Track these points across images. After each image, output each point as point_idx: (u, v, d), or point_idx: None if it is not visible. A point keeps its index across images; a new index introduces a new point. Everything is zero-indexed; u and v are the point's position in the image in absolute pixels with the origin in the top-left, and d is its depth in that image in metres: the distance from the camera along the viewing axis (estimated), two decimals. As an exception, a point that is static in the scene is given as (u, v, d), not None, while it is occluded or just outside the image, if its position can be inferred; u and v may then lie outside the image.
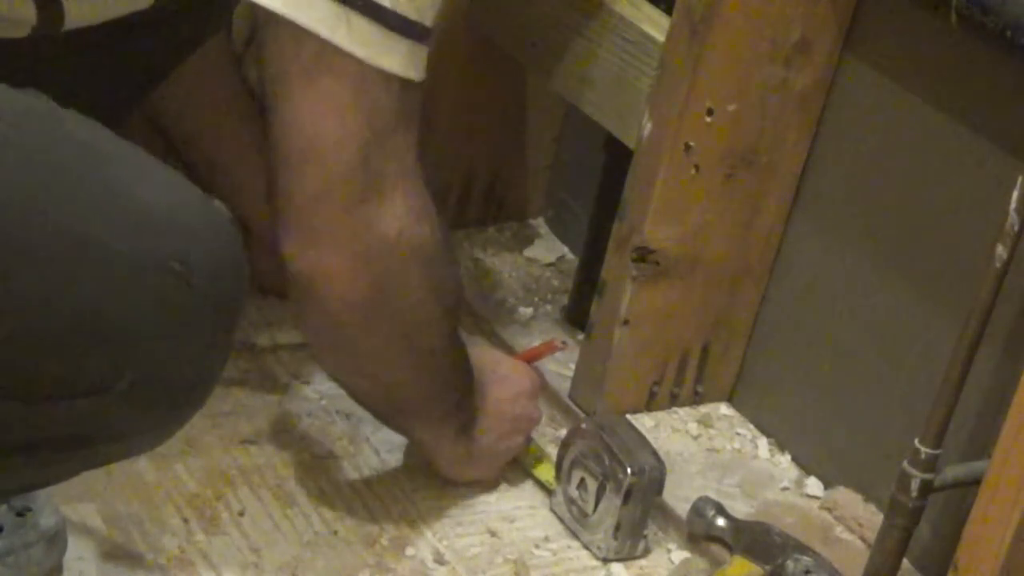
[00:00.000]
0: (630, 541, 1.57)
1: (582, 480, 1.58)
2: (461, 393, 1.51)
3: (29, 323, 1.08)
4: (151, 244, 1.11)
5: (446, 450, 1.56)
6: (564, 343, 1.77)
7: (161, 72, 1.56)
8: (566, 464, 1.60)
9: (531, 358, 1.71)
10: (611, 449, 1.55)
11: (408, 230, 1.34)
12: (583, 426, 1.59)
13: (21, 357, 1.09)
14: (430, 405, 1.50)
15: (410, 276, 1.37)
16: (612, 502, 1.55)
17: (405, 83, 1.30)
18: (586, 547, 1.58)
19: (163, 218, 1.13)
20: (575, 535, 1.59)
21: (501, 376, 1.58)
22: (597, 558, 1.57)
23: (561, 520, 1.60)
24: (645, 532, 1.58)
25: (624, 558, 1.58)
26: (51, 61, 1.30)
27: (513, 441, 1.61)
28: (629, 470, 1.54)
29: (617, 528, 1.56)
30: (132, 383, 1.11)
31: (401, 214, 1.33)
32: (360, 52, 1.26)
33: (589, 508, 1.57)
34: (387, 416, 1.53)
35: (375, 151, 1.29)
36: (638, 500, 1.55)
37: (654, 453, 1.56)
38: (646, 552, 1.59)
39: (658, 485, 1.56)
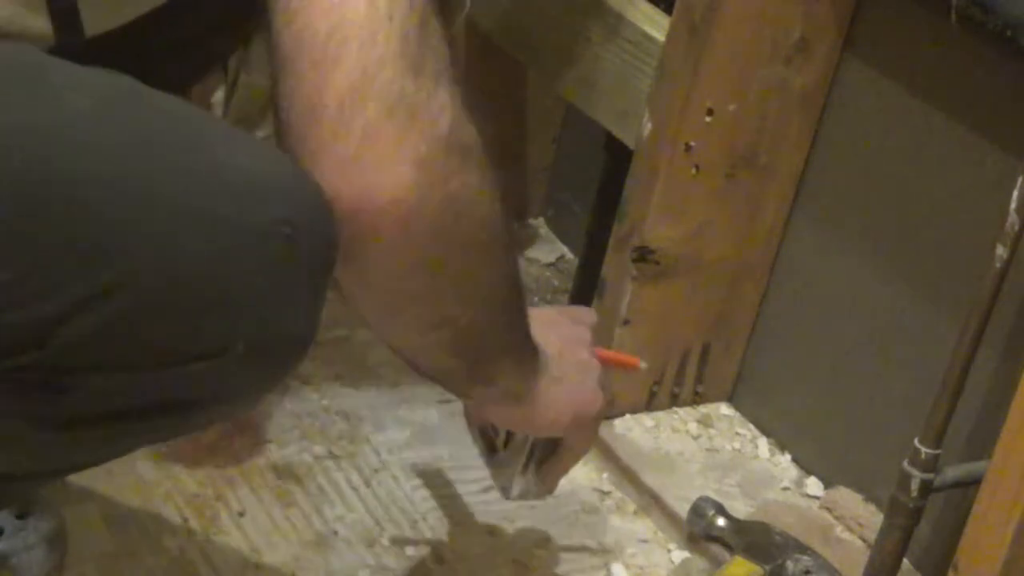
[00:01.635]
0: (536, 485, 1.50)
1: None
2: (527, 323, 1.37)
3: (146, 296, 1.09)
4: (257, 209, 1.12)
5: (540, 393, 1.39)
6: (643, 365, 1.64)
7: (197, 66, 1.56)
8: None
9: (604, 358, 1.59)
10: None
11: (458, 124, 1.18)
12: None
13: (140, 329, 1.10)
14: (512, 338, 1.35)
15: (471, 177, 1.20)
16: (520, 441, 1.48)
17: None
18: (498, 488, 1.51)
19: (264, 183, 1.13)
20: (489, 471, 1.52)
21: (550, 322, 1.45)
22: (504, 498, 1.50)
23: (478, 453, 1.53)
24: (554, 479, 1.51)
25: (529, 498, 1.51)
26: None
27: (590, 385, 1.45)
28: None
29: (525, 467, 1.49)
30: (247, 345, 1.13)
31: (448, 104, 1.17)
32: None
33: (500, 444, 1.51)
34: (471, 370, 1.36)
35: (414, 29, 1.16)
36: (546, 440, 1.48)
37: None
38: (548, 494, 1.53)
39: None
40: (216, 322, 1.12)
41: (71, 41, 1.29)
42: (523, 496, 1.49)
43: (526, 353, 1.36)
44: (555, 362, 1.40)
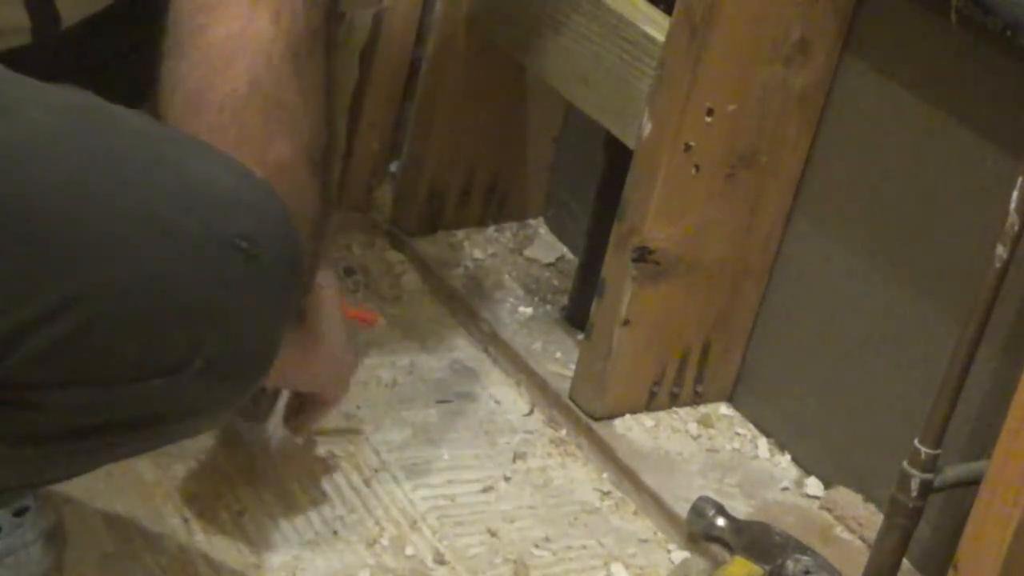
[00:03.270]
0: (279, 437, 1.53)
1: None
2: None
3: (107, 309, 1.10)
4: (219, 223, 1.13)
5: (317, 342, 1.46)
6: (380, 322, 1.75)
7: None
8: None
9: (353, 315, 1.64)
10: None
11: (318, 137, 1.24)
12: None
13: (101, 342, 1.10)
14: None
15: (306, 184, 1.25)
16: (268, 404, 1.53)
17: None
18: (252, 443, 1.54)
19: (227, 197, 1.14)
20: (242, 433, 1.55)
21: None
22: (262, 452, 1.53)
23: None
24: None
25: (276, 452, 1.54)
26: (59, 61, 1.31)
27: (350, 343, 1.51)
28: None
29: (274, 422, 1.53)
30: (208, 360, 1.14)
31: (318, 120, 1.23)
32: None
33: (250, 411, 1.54)
34: None
35: (304, 45, 1.20)
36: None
37: None
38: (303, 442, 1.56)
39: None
40: (175, 337, 1.12)
41: (48, 32, 1.29)
42: (272, 447, 1.54)
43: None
44: (312, 318, 1.44)
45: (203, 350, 1.13)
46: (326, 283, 1.45)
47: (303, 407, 1.54)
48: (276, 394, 1.50)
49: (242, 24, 1.18)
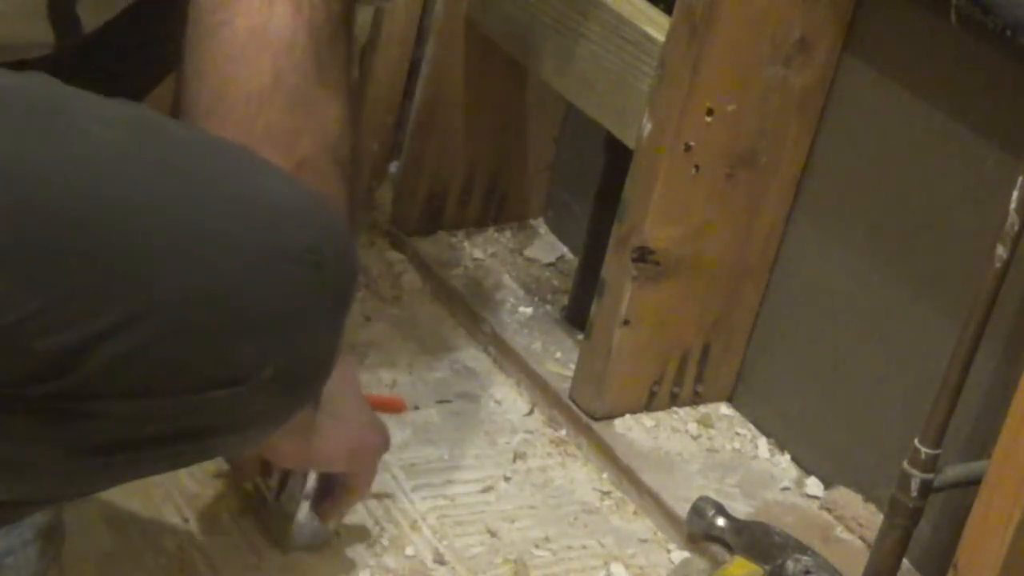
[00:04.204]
0: (314, 531, 1.49)
1: (270, 468, 1.49)
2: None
3: (173, 322, 1.10)
4: (286, 236, 1.14)
5: (319, 426, 1.42)
6: (415, 408, 1.68)
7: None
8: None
9: (372, 402, 1.58)
10: None
11: (342, 137, 1.24)
12: None
13: (167, 355, 1.11)
14: None
15: (336, 186, 1.25)
16: (292, 490, 1.47)
17: None
18: (275, 539, 1.50)
19: (289, 211, 1.15)
20: (260, 522, 1.51)
21: (360, 406, 1.49)
22: (283, 549, 1.49)
23: (246, 503, 1.52)
24: (327, 533, 1.51)
25: (309, 542, 1.50)
26: (81, 66, 1.31)
27: (364, 421, 1.48)
28: None
29: (302, 515, 1.47)
30: (273, 372, 1.14)
31: (340, 117, 1.24)
32: None
33: (272, 496, 1.50)
34: None
35: (326, 41, 1.21)
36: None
37: None
38: (329, 543, 1.51)
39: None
40: (244, 348, 1.13)
41: (71, 42, 1.29)
42: (303, 541, 1.49)
43: None
44: (330, 399, 1.42)
45: (271, 360, 1.14)
46: (344, 364, 1.44)
47: (331, 493, 1.49)
48: (303, 479, 1.46)
49: (264, 17, 1.18)
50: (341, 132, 1.23)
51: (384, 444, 1.50)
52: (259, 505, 1.51)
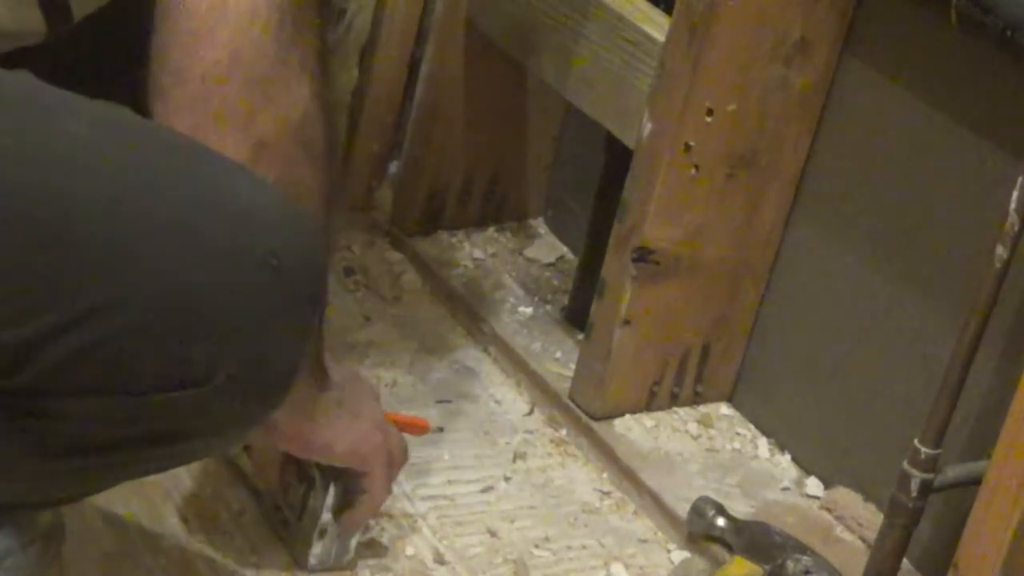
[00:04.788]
0: (335, 550, 1.47)
1: (289, 485, 1.49)
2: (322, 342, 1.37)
3: (132, 318, 1.10)
4: (251, 240, 1.13)
5: (323, 412, 1.41)
6: (430, 428, 1.64)
7: None
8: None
9: (395, 421, 1.56)
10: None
11: (309, 119, 1.22)
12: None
13: (124, 352, 1.11)
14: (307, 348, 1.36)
15: (305, 170, 1.25)
16: (316, 508, 1.46)
17: None
18: (295, 559, 1.49)
19: (258, 214, 1.15)
20: (285, 545, 1.50)
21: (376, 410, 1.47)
22: (304, 569, 1.48)
23: (271, 527, 1.52)
24: (352, 548, 1.49)
25: (329, 565, 1.48)
26: (69, 57, 1.31)
27: (371, 417, 1.46)
28: (332, 474, 1.45)
29: (322, 533, 1.46)
30: (229, 376, 1.14)
31: (305, 97, 1.22)
32: None
33: (294, 517, 1.49)
34: None
35: (290, 19, 1.19)
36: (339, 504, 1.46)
37: None
38: (352, 564, 1.50)
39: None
40: (200, 350, 1.13)
41: (62, 29, 1.29)
42: (323, 564, 1.48)
43: (316, 370, 1.36)
44: (340, 389, 1.41)
45: (227, 364, 1.13)
46: (365, 380, 1.45)
47: (351, 503, 1.47)
48: (324, 494, 1.45)
49: None
50: (307, 113, 1.21)
51: (396, 451, 1.48)
52: (280, 527, 1.51)
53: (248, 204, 1.15)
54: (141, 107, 1.21)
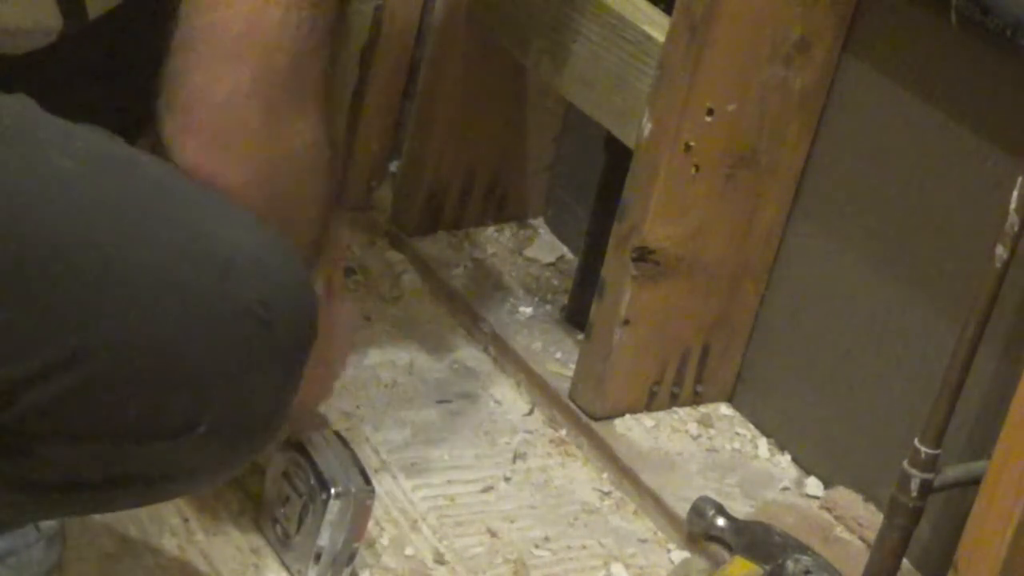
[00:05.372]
0: (331, 571, 1.46)
1: (287, 498, 1.48)
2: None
3: (112, 366, 1.09)
4: (235, 287, 1.12)
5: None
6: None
7: None
8: (273, 478, 1.50)
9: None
10: (316, 466, 1.45)
11: (317, 147, 1.25)
12: (290, 439, 1.48)
13: (104, 399, 1.10)
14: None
15: (306, 194, 1.27)
16: (314, 524, 1.45)
17: None
18: (289, 572, 1.48)
19: (245, 260, 1.13)
20: (281, 559, 1.49)
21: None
22: None
23: (267, 541, 1.51)
24: (352, 559, 1.47)
25: None
26: (82, 57, 1.30)
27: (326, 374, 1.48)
28: (333, 490, 1.44)
29: (318, 556, 1.45)
30: (211, 426, 1.12)
31: (315, 125, 1.24)
32: None
33: (292, 529, 1.48)
34: None
35: (308, 55, 1.21)
36: (341, 524, 1.44)
37: (363, 473, 1.47)
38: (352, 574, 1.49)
39: (364, 509, 1.46)
40: (182, 400, 1.11)
41: (77, 27, 1.29)
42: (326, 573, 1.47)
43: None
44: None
45: (209, 414, 1.12)
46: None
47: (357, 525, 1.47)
48: (324, 507, 1.44)
49: (253, 21, 1.18)
50: (315, 139, 1.23)
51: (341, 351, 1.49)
52: (278, 545, 1.50)
53: (236, 249, 1.13)
54: (149, 110, 1.21)
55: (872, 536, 1.53)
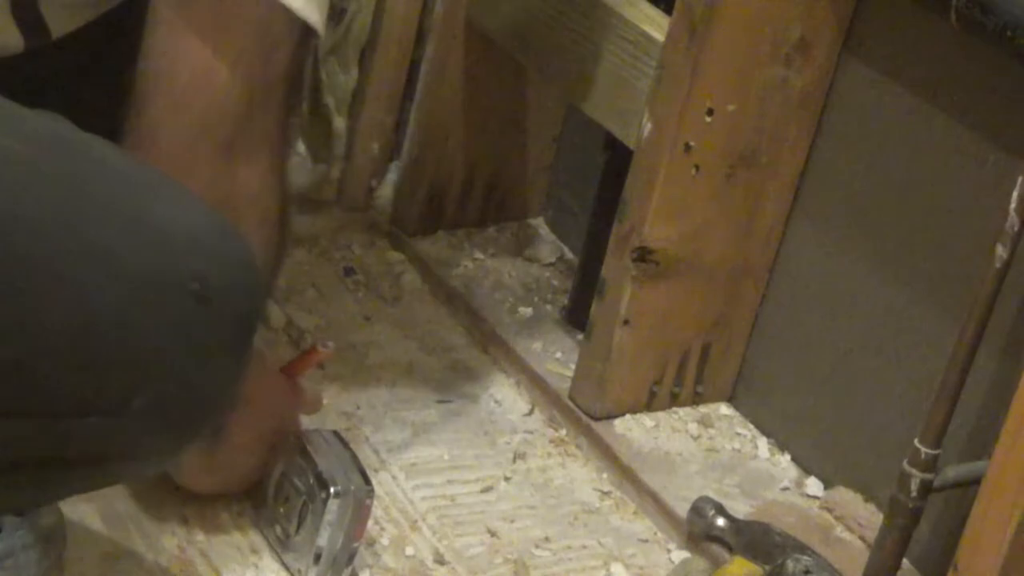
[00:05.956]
0: (331, 571, 1.45)
1: (287, 498, 1.48)
2: None
3: (50, 340, 1.08)
4: (170, 264, 1.11)
5: (191, 456, 1.40)
6: (327, 345, 1.57)
7: None
8: (273, 479, 1.50)
9: (293, 371, 1.56)
10: (316, 466, 1.45)
11: (264, 194, 1.28)
12: (291, 439, 1.49)
13: (41, 374, 1.08)
14: None
15: (252, 238, 1.26)
16: (314, 524, 1.44)
17: (305, 32, 1.25)
18: (289, 572, 1.48)
19: (183, 238, 1.13)
20: (281, 559, 1.49)
21: (256, 391, 1.44)
22: None
23: (267, 541, 1.51)
24: (352, 559, 1.46)
25: None
26: (48, 72, 1.31)
27: (259, 456, 1.50)
28: (332, 490, 1.43)
29: (318, 556, 1.44)
30: (148, 402, 1.11)
31: (264, 174, 1.27)
32: None
33: (292, 529, 1.47)
34: None
35: (260, 101, 1.24)
36: (341, 523, 1.44)
37: (363, 473, 1.46)
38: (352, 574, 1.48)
39: (364, 509, 1.45)
40: (114, 376, 1.10)
41: (39, 44, 1.29)
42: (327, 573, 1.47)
43: None
44: (237, 431, 1.42)
45: (143, 391, 1.11)
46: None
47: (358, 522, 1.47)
48: (323, 506, 1.43)
49: (200, 74, 1.22)
50: (263, 184, 1.27)
51: (296, 417, 1.51)
52: (278, 545, 1.49)
53: (175, 227, 1.13)
54: (116, 133, 1.23)
55: (872, 536, 1.53)
